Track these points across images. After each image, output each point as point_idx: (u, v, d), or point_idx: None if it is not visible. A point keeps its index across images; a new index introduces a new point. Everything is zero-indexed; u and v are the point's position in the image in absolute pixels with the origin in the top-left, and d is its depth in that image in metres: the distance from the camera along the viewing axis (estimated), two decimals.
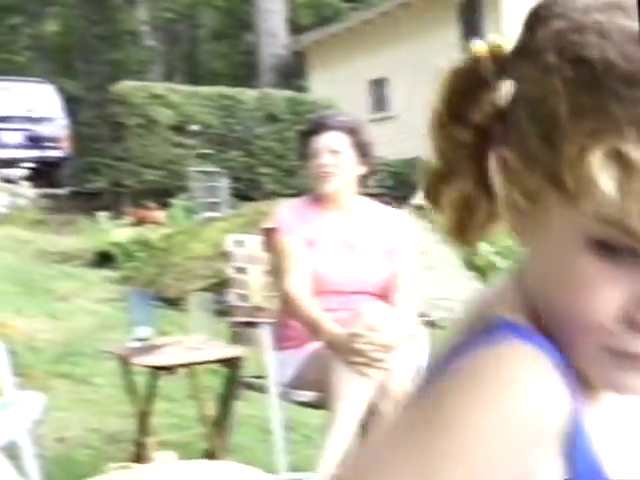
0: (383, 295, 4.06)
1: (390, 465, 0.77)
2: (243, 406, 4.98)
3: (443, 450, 0.75)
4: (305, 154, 4.22)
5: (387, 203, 4.57)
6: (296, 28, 26.07)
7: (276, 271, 4.15)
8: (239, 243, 4.75)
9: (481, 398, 0.76)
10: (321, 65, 23.03)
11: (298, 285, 3.98)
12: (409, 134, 19.48)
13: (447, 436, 0.76)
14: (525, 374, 0.77)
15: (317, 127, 4.18)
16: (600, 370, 0.77)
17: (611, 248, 0.73)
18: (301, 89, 22.05)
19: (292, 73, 24.53)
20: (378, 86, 21.24)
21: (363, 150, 4.19)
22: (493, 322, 0.82)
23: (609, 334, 0.74)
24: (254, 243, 4.58)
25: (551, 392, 0.77)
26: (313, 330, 3.90)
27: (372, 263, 4.12)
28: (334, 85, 21.43)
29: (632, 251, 0.73)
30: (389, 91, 20.93)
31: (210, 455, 4.55)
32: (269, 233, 4.17)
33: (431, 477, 0.75)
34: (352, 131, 4.17)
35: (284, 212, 4.22)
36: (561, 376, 0.78)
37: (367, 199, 4.35)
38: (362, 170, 4.22)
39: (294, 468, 4.14)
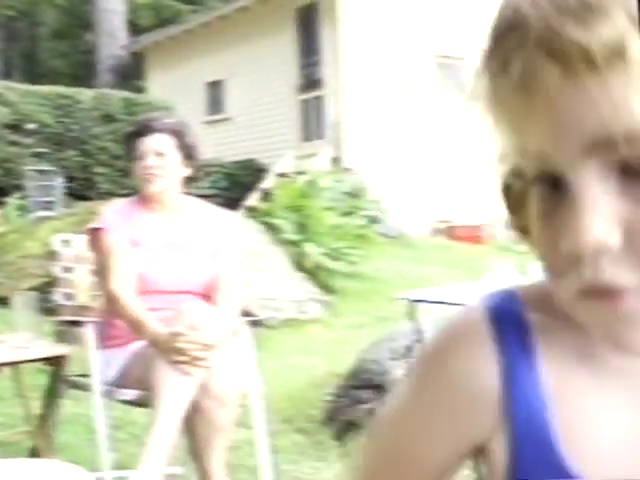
0: (207, 295, 4.07)
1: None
2: (69, 405, 4.91)
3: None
4: (132, 156, 4.20)
5: (221, 204, 4.59)
6: (136, 29, 25.77)
7: (101, 271, 4.12)
8: (66, 242, 4.69)
9: (432, 358, 0.85)
10: (159, 66, 22.83)
11: (122, 284, 3.96)
12: (245, 136, 19.54)
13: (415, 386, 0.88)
14: (456, 342, 0.83)
15: (143, 129, 4.17)
16: (591, 324, 0.72)
17: (535, 179, 0.72)
18: (139, 90, 21.81)
19: (130, 74, 24.24)
20: (215, 88, 21.17)
21: (188, 152, 4.19)
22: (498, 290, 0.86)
23: (573, 275, 0.70)
24: (81, 243, 4.53)
25: (472, 361, 0.81)
26: (136, 329, 3.88)
27: (196, 263, 4.12)
28: (172, 86, 21.28)
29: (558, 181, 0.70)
30: (226, 93, 20.89)
31: (35, 454, 4.48)
32: (95, 233, 4.13)
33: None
34: (177, 133, 4.16)
35: (110, 212, 4.19)
36: (499, 347, 0.81)
37: (194, 199, 4.35)
38: (187, 171, 4.22)
39: (120, 466, 4.11)
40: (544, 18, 0.64)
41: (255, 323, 4.37)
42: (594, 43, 0.62)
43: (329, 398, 5.79)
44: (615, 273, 0.68)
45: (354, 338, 7.75)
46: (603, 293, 0.68)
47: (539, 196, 0.72)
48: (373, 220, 12.99)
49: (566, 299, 0.72)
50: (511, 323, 0.81)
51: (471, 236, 16.02)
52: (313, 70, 18.45)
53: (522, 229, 0.81)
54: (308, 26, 18.53)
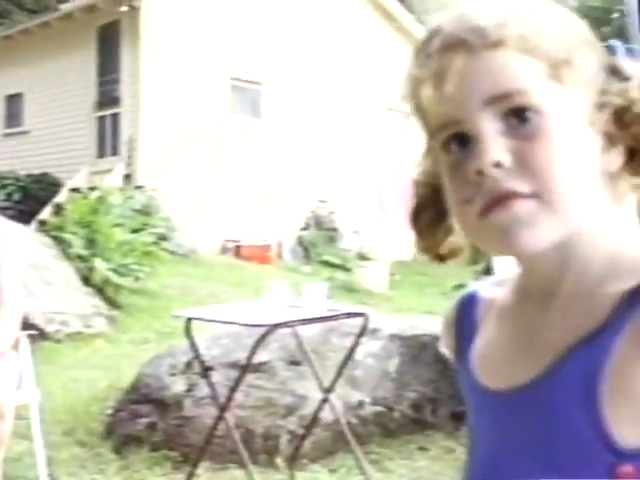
0: None
1: None
2: None
3: None
4: None
5: (14, 217, 4.50)
6: None
7: None
8: None
9: None
10: None
11: None
12: (41, 150, 19.14)
13: None
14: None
15: None
16: (490, 236, 0.99)
17: (447, 144, 1.00)
18: None
19: None
20: (14, 101, 20.66)
21: None
22: None
23: (477, 196, 0.97)
24: None
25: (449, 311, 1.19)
26: None
27: None
28: None
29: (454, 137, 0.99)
30: (24, 107, 20.42)
31: None
32: None
33: None
34: None
35: None
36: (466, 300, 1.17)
37: None
38: None
39: None
40: (456, 27, 0.97)
41: (41, 336, 4.32)
42: (487, 36, 0.95)
43: (109, 412, 5.75)
44: (509, 184, 0.95)
45: (138, 353, 7.70)
46: (500, 200, 0.95)
47: (448, 158, 1.00)
48: (162, 237, 12.93)
49: (471, 224, 0.99)
50: (470, 299, 1.17)
51: (259, 256, 16.17)
52: (112, 88, 18.28)
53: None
54: (109, 44, 18.35)
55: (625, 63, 1.02)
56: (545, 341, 1.02)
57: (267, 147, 18.38)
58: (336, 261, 16.47)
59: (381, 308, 11.54)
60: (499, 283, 1.15)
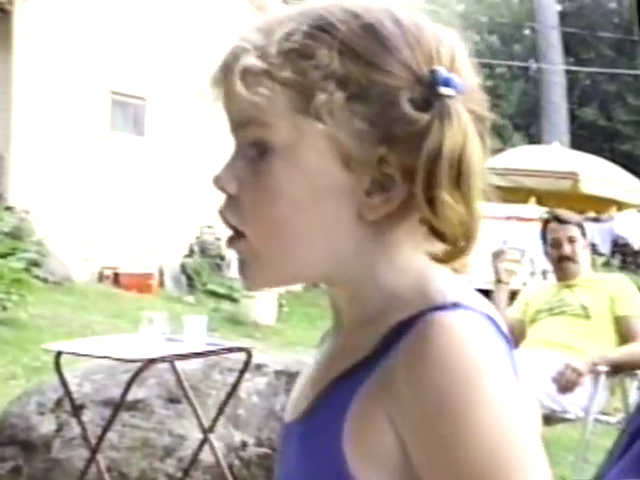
0: None
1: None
2: None
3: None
4: None
5: None
6: None
7: None
8: None
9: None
10: None
11: None
12: None
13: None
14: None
15: None
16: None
17: None
18: None
19: None
20: None
21: None
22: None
23: None
24: None
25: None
26: None
27: None
28: None
29: None
30: None
31: None
32: None
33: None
34: None
35: None
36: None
37: None
38: None
39: None
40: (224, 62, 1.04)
41: None
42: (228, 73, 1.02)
43: None
44: (228, 215, 1.00)
45: (5, 390, 7.55)
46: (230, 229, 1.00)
47: None
48: (34, 263, 12.73)
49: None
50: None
51: (139, 284, 16.03)
52: None
53: None
54: None
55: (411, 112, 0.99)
56: (325, 372, 1.05)
57: (150, 168, 18.26)
58: (222, 291, 16.41)
59: (269, 341, 11.58)
60: None
